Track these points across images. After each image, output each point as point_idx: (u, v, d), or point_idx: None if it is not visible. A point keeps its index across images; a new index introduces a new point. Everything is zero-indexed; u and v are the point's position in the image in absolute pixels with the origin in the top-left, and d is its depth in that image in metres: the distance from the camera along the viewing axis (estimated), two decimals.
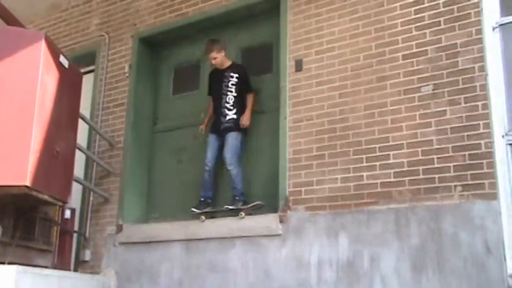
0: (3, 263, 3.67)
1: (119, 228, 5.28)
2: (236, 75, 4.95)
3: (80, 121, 4.80)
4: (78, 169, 5.10)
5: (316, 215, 4.29)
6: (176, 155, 5.53)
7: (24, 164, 3.72)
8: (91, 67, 6.10)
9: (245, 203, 4.68)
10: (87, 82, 5.37)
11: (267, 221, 4.48)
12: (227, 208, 4.69)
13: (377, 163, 4.13)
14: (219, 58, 4.95)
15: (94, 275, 4.47)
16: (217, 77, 5.04)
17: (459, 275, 3.62)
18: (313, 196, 4.36)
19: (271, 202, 4.61)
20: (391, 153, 4.09)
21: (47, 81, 3.99)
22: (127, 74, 5.76)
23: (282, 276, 4.29)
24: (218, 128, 4.92)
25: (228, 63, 5.03)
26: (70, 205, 4.81)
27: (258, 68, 5.24)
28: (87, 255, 5.32)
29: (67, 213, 4.81)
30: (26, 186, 3.73)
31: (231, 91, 4.92)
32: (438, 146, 3.91)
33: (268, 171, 4.83)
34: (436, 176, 3.86)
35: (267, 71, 5.18)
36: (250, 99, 4.96)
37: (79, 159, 5.07)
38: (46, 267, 4.38)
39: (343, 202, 4.21)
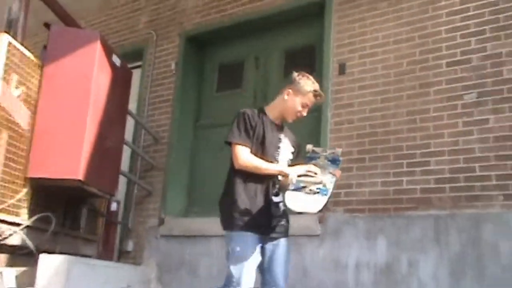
0: (53, 251, 3.87)
1: (161, 221, 5.43)
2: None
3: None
4: (124, 163, 5.28)
5: (355, 217, 4.36)
6: (216, 153, 5.65)
7: (77, 159, 3.91)
8: (138, 63, 6.27)
9: None
10: (134, 77, 5.51)
11: (306, 221, 4.56)
12: None
13: (418, 169, 4.16)
14: None
15: (137, 266, 4.64)
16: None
17: (499, 284, 3.64)
18: (352, 199, 4.42)
19: None
20: (432, 159, 4.12)
21: (100, 79, 4.17)
22: (173, 71, 5.92)
23: (319, 275, 4.38)
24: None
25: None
26: (115, 197, 5.00)
27: (301, 70, 5.26)
28: (130, 246, 5.49)
29: (113, 206, 5.01)
30: (79, 180, 3.92)
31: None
32: (480, 155, 3.92)
33: None
34: (478, 184, 3.88)
35: (309, 73, 5.21)
36: None
37: (125, 152, 5.24)
38: (90, 256, 4.58)
39: (382, 206, 4.26)
